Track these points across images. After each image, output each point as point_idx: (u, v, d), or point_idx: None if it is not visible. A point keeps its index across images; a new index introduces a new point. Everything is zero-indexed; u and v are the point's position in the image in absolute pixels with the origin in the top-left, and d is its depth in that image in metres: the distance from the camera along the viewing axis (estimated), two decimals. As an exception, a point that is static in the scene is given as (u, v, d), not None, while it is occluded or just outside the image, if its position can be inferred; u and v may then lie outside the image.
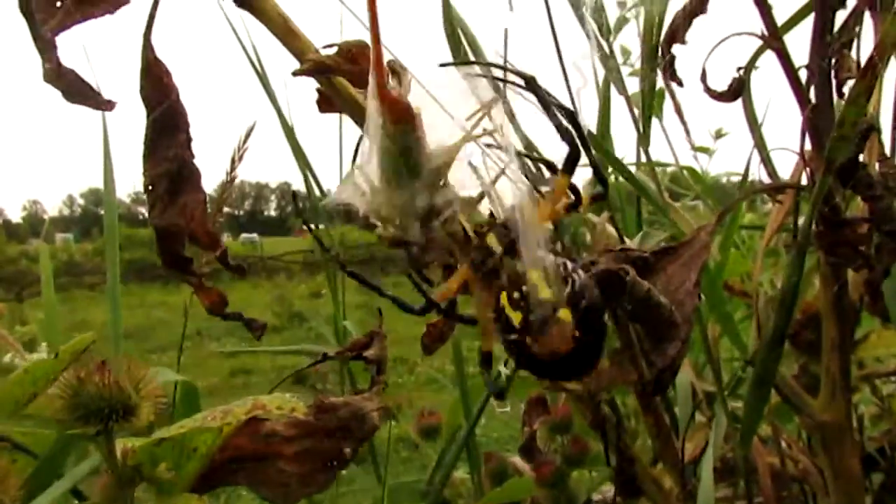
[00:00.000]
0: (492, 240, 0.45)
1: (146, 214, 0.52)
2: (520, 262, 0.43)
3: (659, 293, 0.51)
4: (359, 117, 0.54)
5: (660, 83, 1.60)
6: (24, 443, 0.70)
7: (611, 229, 1.01)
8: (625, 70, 1.48)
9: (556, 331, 0.41)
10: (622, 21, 1.32)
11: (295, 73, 0.51)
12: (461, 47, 0.74)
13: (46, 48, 0.49)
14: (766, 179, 0.89)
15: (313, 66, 0.51)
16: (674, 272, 0.56)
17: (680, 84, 0.72)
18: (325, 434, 0.57)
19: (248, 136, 0.95)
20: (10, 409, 0.57)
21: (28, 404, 0.58)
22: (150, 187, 0.48)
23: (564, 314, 0.41)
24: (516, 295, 0.42)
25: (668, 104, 1.64)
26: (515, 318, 0.42)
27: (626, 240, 0.97)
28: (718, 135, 2.01)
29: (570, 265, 0.43)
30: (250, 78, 0.98)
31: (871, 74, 0.54)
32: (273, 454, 0.57)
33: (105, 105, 0.53)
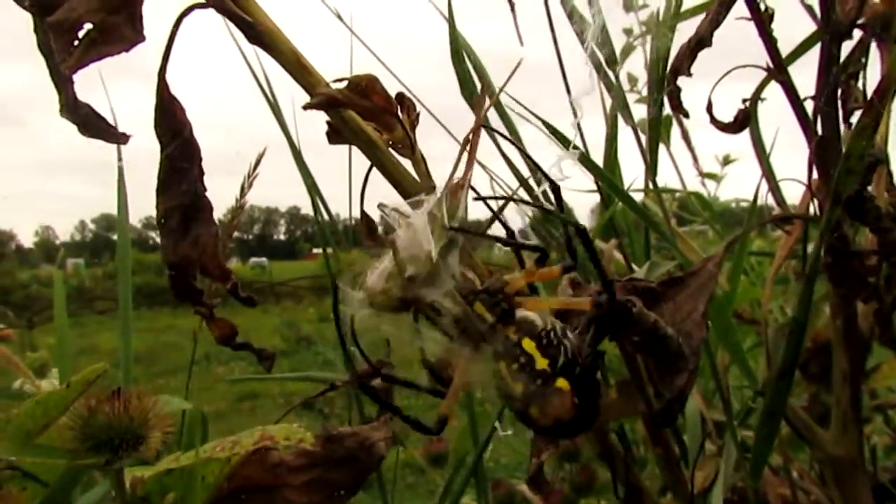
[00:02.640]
0: (480, 308, 0.46)
1: (157, 239, 0.53)
2: (513, 331, 0.45)
3: (666, 324, 0.51)
4: (367, 150, 0.55)
5: (667, 109, 1.61)
6: (34, 471, 0.70)
7: (619, 256, 1.01)
8: (632, 97, 1.49)
9: (557, 401, 0.43)
10: (629, 49, 1.33)
11: (305, 107, 0.52)
12: (468, 74, 0.75)
13: (63, 84, 0.50)
14: (776, 207, 0.89)
15: (324, 100, 0.52)
16: (681, 302, 0.56)
17: (686, 116, 0.73)
18: (332, 464, 0.57)
19: (258, 162, 0.96)
20: (21, 439, 0.58)
21: (39, 434, 0.59)
22: (162, 220, 0.49)
23: (562, 383, 0.43)
24: (514, 366, 0.44)
25: (675, 130, 1.65)
26: (517, 388, 0.44)
27: (634, 266, 0.97)
28: (726, 161, 2.01)
29: (559, 329, 0.44)
30: (260, 101, 1.00)
31: (877, 106, 0.54)
32: (280, 484, 0.57)
33: (120, 138, 0.54)
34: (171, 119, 0.49)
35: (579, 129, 0.93)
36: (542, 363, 0.43)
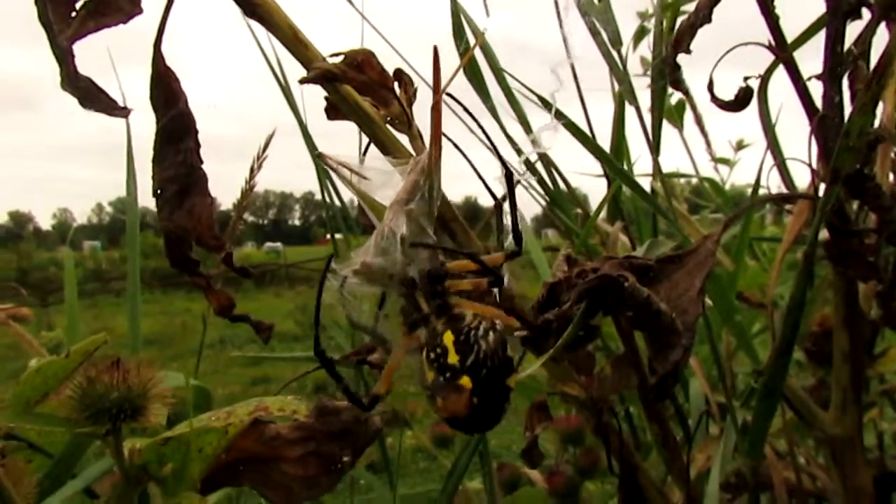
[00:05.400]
0: (419, 296, 0.47)
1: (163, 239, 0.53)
2: (441, 323, 0.46)
3: (661, 300, 0.51)
4: (364, 125, 0.55)
5: (681, 94, 1.59)
6: (40, 443, 0.71)
7: (624, 239, 1.01)
8: (643, 81, 1.48)
9: (454, 397, 0.43)
10: (641, 32, 1.32)
11: (301, 81, 0.52)
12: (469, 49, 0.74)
13: (63, 56, 0.51)
14: (784, 189, 0.88)
15: (320, 74, 0.52)
16: (678, 280, 0.56)
17: (686, 93, 0.72)
18: (327, 437, 0.58)
19: (267, 143, 0.96)
20: (21, 407, 0.59)
21: (39, 403, 0.60)
22: (159, 191, 0.49)
23: (465, 381, 0.43)
24: (432, 355, 0.45)
25: (689, 117, 1.63)
26: (429, 376, 0.45)
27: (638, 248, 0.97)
28: (740, 146, 1.99)
29: (482, 330, 0.45)
30: (273, 88, 1.00)
31: (877, 84, 0.53)
32: (277, 457, 0.58)
33: (120, 112, 0.54)
34: (166, 90, 0.49)
35: (587, 116, 0.93)
36: (453, 358, 0.44)
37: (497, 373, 0.44)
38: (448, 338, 0.44)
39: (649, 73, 1.51)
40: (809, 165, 0.65)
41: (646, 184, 1.12)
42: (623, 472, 0.60)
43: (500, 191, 0.62)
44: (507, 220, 0.50)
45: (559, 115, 0.48)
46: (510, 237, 0.49)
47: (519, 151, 0.91)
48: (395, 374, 0.63)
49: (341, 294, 0.47)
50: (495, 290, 0.49)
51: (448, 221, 0.54)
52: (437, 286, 0.46)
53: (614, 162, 0.76)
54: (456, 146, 0.49)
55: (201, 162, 0.50)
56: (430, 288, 0.46)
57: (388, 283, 0.46)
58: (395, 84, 0.55)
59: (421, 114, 0.59)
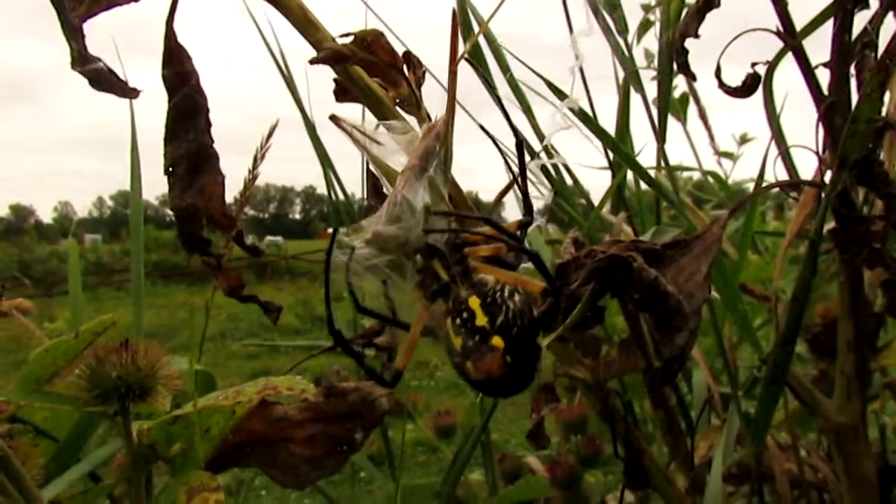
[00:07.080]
0: (437, 265, 0.47)
1: (173, 216, 0.53)
2: (464, 289, 0.46)
3: (668, 283, 0.51)
4: (374, 107, 0.55)
5: (685, 87, 1.58)
6: (46, 427, 0.72)
7: (628, 229, 1.01)
8: (649, 74, 1.48)
9: (488, 357, 0.44)
10: (646, 24, 1.32)
11: (312, 62, 0.52)
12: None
13: (74, 35, 0.51)
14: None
15: (330, 55, 0.52)
16: (685, 264, 0.56)
17: (693, 78, 0.72)
18: (335, 418, 0.58)
19: (270, 133, 0.96)
20: (30, 386, 0.59)
21: (47, 383, 0.60)
22: (170, 169, 0.49)
23: (497, 341, 0.44)
24: (458, 321, 0.45)
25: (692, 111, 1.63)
26: (457, 342, 0.45)
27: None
28: (743, 140, 1.98)
29: (507, 291, 0.45)
30: (276, 82, 1.00)
31: (885, 69, 0.53)
32: (284, 437, 0.58)
33: (130, 93, 0.54)
34: (178, 67, 0.49)
35: (591, 106, 0.93)
36: (482, 320, 0.44)
37: (527, 332, 0.44)
38: (474, 301, 0.45)
39: (654, 65, 1.52)
40: (817, 153, 0.65)
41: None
42: (629, 455, 0.60)
43: (502, 182, 0.62)
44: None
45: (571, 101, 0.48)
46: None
47: (523, 142, 0.91)
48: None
49: (348, 268, 0.47)
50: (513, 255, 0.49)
51: (457, 205, 0.54)
52: (456, 253, 0.46)
53: (620, 146, 0.76)
54: (467, 112, 0.49)
55: (212, 141, 0.50)
56: (450, 254, 0.46)
57: (402, 252, 0.46)
58: (404, 66, 0.55)
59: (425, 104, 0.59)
